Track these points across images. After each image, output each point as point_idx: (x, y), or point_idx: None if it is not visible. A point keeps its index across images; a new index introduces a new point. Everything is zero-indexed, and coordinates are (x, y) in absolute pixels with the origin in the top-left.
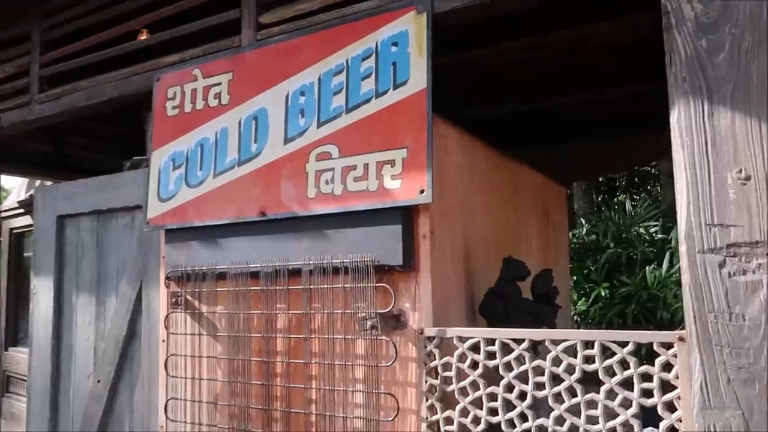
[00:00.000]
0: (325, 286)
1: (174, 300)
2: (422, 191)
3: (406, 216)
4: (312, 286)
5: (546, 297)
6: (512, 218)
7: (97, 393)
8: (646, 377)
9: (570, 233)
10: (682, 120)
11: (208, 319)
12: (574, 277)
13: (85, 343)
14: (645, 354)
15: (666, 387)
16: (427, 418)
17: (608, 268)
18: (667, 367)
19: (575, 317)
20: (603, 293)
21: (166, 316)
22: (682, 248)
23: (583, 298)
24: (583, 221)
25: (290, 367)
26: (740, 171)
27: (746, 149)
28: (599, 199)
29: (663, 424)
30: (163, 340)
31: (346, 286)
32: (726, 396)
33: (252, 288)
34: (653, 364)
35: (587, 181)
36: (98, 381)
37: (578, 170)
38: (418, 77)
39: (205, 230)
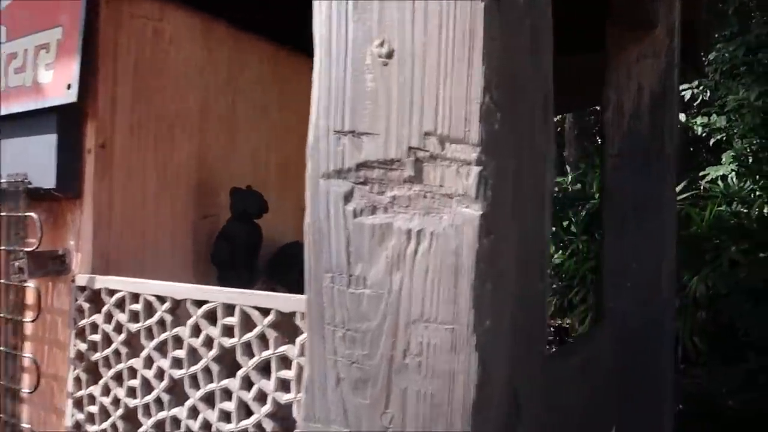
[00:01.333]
0: None
1: None
2: (69, 86)
3: (65, 122)
4: None
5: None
6: None
7: None
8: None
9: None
10: None
11: None
12: (553, 228)
13: None
14: None
15: None
16: (72, 393)
17: (588, 220)
18: None
19: (549, 271)
20: (580, 246)
21: None
22: (308, 170)
23: (560, 251)
24: (568, 169)
25: None
26: (382, 43)
27: (395, 9)
28: (592, 146)
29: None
30: None
31: (2, 215)
32: (333, 404)
33: None
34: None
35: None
36: None
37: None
38: None
39: None
